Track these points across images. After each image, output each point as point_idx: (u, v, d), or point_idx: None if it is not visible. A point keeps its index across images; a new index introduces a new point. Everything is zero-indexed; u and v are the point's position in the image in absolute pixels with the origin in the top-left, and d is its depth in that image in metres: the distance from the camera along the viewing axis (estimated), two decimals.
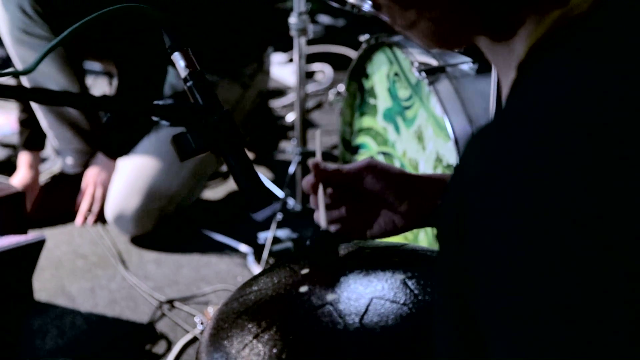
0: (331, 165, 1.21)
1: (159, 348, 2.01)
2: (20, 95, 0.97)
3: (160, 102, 1.10)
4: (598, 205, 0.67)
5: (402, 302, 1.09)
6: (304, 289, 1.13)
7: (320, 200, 1.21)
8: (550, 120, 0.70)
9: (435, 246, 1.85)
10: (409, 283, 1.12)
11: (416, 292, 1.10)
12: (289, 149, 2.89)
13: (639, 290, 0.68)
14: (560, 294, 0.67)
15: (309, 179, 1.21)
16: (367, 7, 1.90)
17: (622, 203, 0.67)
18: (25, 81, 2.38)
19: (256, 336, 1.07)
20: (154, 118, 1.09)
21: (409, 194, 1.21)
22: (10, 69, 2.65)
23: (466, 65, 1.91)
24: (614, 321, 0.67)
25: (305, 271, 1.17)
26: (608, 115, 0.69)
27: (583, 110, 0.70)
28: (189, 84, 1.13)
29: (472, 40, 0.86)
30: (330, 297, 1.10)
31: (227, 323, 1.12)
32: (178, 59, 1.14)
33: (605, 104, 0.70)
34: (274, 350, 1.04)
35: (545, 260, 0.67)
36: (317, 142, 1.31)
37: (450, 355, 0.80)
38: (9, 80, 2.63)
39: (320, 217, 1.22)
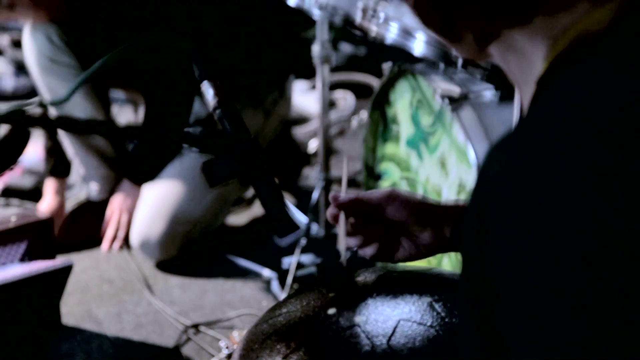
0: (350, 196, 1.22)
1: None
2: (47, 123, 0.99)
3: (191, 130, 1.11)
4: (616, 215, 0.68)
5: (429, 324, 1.09)
6: (332, 311, 1.14)
7: (341, 229, 1.22)
8: (569, 133, 0.71)
9: (458, 270, 1.86)
10: (436, 306, 1.13)
11: (443, 314, 1.11)
12: (312, 175, 2.91)
13: None
14: (580, 300, 0.67)
15: (331, 210, 1.22)
16: (389, 36, 1.92)
17: (637, 211, 0.69)
18: (52, 109, 2.42)
19: (285, 357, 1.08)
20: (184, 145, 1.10)
21: (430, 222, 1.21)
22: (39, 99, 2.69)
23: (489, 92, 1.91)
24: (630, 325, 0.68)
25: (333, 294, 1.19)
26: (625, 130, 0.70)
27: (601, 125, 0.70)
28: (217, 112, 1.14)
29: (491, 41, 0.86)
30: (358, 319, 1.11)
31: (256, 344, 1.13)
32: (207, 88, 1.16)
33: (623, 119, 0.71)
34: None
35: (565, 267, 0.68)
36: (345, 171, 1.32)
37: None
38: (35, 109, 2.66)
39: (340, 244, 1.23)
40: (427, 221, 1.21)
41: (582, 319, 0.67)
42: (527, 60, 0.83)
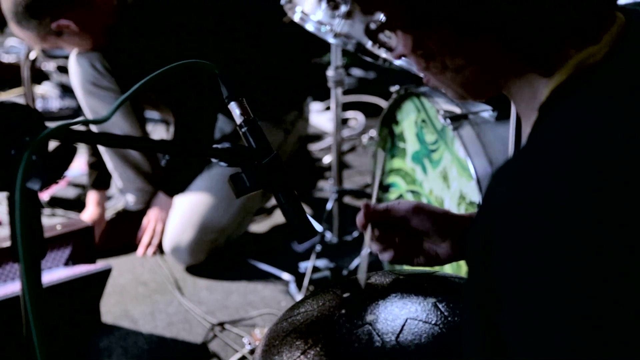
0: (381, 206, 1.21)
1: None
2: (90, 139, 0.99)
3: (219, 146, 1.11)
4: (610, 232, 0.67)
5: (433, 322, 1.09)
6: (345, 310, 1.14)
7: (367, 236, 1.21)
8: (568, 157, 0.71)
9: (460, 274, 1.85)
10: (440, 306, 1.12)
11: (446, 314, 1.11)
12: (327, 187, 2.91)
13: None
14: (576, 308, 0.67)
15: (360, 218, 1.21)
16: (397, 61, 1.93)
17: (630, 230, 0.68)
18: (93, 128, 2.43)
19: (303, 352, 1.08)
20: (213, 160, 1.11)
21: (451, 232, 1.19)
22: (81, 117, 2.71)
23: (486, 112, 1.91)
24: (622, 331, 0.67)
25: (346, 295, 1.18)
26: (620, 154, 0.70)
27: (597, 149, 0.70)
28: (243, 129, 1.13)
29: (500, 90, 0.86)
30: (369, 317, 1.11)
31: (277, 341, 1.13)
32: (234, 108, 1.15)
33: (618, 143, 0.71)
34: None
35: (562, 279, 0.68)
36: (375, 187, 1.31)
37: None
38: (79, 127, 2.67)
39: (368, 245, 1.22)
40: (448, 231, 1.20)
41: (577, 328, 0.67)
42: (532, 89, 0.83)
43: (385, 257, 1.24)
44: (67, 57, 2.69)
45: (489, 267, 0.72)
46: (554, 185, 0.69)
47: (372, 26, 0.86)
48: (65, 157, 0.88)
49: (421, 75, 0.92)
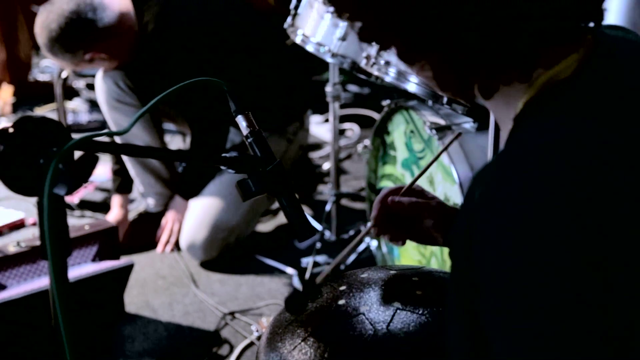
0: (404, 198, 1.21)
1: (223, 350, 2.01)
2: (114, 150, 0.99)
3: (228, 155, 1.11)
4: (575, 224, 0.67)
5: (420, 312, 1.09)
6: (341, 301, 1.13)
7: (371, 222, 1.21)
8: (539, 161, 0.71)
9: (444, 269, 1.84)
10: (426, 297, 1.12)
11: (432, 304, 1.10)
12: (326, 191, 2.90)
13: (611, 300, 0.68)
14: (549, 299, 0.67)
15: (375, 214, 1.21)
16: (387, 78, 1.92)
17: (598, 226, 0.68)
18: (117, 139, 2.43)
19: (304, 339, 1.08)
20: (222, 167, 1.10)
21: (447, 221, 1.19)
22: (106, 130, 2.71)
23: (468, 124, 1.91)
24: (592, 321, 0.67)
25: (342, 288, 1.18)
26: (584, 157, 0.70)
27: (564, 153, 0.71)
28: (249, 140, 1.13)
29: (471, 99, 0.86)
30: (363, 308, 1.10)
31: (280, 329, 1.13)
32: (241, 120, 1.15)
33: (583, 148, 0.71)
34: (318, 351, 1.05)
35: (537, 272, 0.68)
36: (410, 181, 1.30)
37: (460, 353, 0.80)
38: (105, 139, 2.67)
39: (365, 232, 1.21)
40: (445, 221, 1.19)
41: (547, 314, 0.67)
42: (507, 102, 0.83)
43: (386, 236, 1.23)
44: (93, 76, 2.70)
45: (470, 259, 0.72)
46: (526, 185, 0.70)
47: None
48: (88, 165, 0.87)
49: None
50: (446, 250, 1.61)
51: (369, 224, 1.23)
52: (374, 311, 1.10)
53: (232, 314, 2.16)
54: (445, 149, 1.34)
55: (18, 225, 2.68)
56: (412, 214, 1.20)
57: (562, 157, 0.70)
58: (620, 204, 0.69)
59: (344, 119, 3.59)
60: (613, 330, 0.68)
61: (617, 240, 0.69)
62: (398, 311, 1.09)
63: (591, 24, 0.80)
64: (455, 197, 1.84)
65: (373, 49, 1.90)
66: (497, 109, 0.85)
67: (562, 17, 0.76)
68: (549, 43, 0.77)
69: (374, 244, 2.31)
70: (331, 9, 2.12)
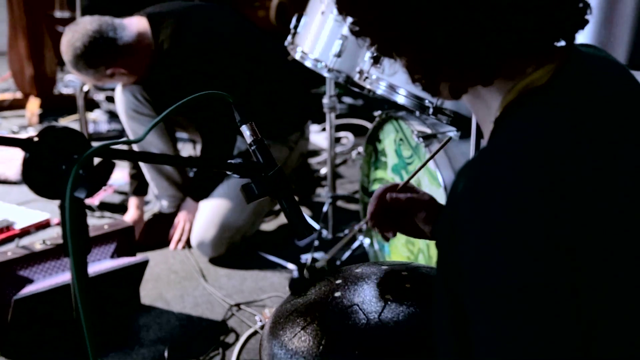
0: (402, 195, 1.21)
1: (230, 339, 2.01)
2: (130, 157, 0.99)
3: (233, 161, 1.10)
4: (550, 216, 0.69)
5: (408, 304, 1.08)
6: (337, 294, 1.13)
7: (366, 218, 1.21)
8: (515, 155, 0.72)
9: (430, 264, 1.84)
10: (414, 290, 1.12)
11: (419, 296, 1.10)
12: (323, 193, 2.90)
13: (579, 282, 0.69)
14: (522, 280, 0.68)
15: (372, 209, 1.20)
16: (379, 91, 1.92)
17: (567, 214, 0.69)
18: (134, 146, 2.43)
19: (303, 328, 1.07)
20: (229, 172, 1.10)
21: (437, 214, 1.20)
22: (124, 139, 2.71)
23: (452, 132, 1.91)
24: (561, 301, 0.68)
25: (338, 281, 1.17)
26: (554, 156, 0.72)
27: (538, 148, 0.72)
28: (253, 147, 1.13)
29: (462, 93, 0.86)
30: (357, 299, 1.10)
31: (282, 318, 1.12)
32: (245, 130, 1.15)
33: (554, 147, 0.73)
34: (316, 339, 1.04)
35: (512, 255, 0.69)
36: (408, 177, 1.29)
37: (444, 335, 0.80)
38: (123, 147, 2.66)
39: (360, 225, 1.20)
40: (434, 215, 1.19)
41: (521, 293, 0.68)
42: (488, 106, 0.84)
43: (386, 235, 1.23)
44: (113, 89, 2.69)
45: (453, 245, 0.73)
46: (503, 176, 0.71)
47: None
48: (106, 171, 0.87)
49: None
50: (433, 247, 1.61)
51: (363, 220, 1.23)
52: (367, 302, 1.09)
53: (237, 305, 2.16)
54: (439, 150, 1.35)
55: (44, 225, 2.67)
56: (406, 208, 1.20)
57: (535, 154, 0.72)
58: (586, 195, 0.71)
59: (339, 128, 3.59)
60: (581, 310, 0.68)
61: (584, 227, 0.70)
62: (389, 303, 1.08)
63: (563, 42, 0.81)
64: (440, 199, 1.82)
65: (366, 65, 1.91)
66: (479, 112, 0.87)
67: (523, 34, 0.77)
68: (513, 54, 0.78)
69: (366, 242, 2.31)
70: (330, 26, 2.12)
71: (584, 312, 0.69)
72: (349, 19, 0.85)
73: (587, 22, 0.82)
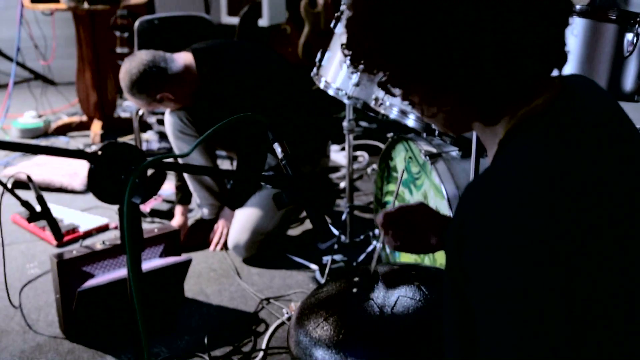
0: (392, 209, 1.18)
1: (260, 328, 2.00)
2: (178, 169, 1.00)
3: (266, 174, 1.10)
4: (547, 227, 0.67)
5: (417, 299, 1.07)
6: (355, 290, 1.13)
7: (382, 235, 1.18)
8: (517, 176, 0.71)
9: (436, 265, 1.82)
10: (422, 287, 1.11)
11: (427, 293, 1.09)
12: (342, 204, 2.89)
13: (572, 287, 0.67)
14: (520, 283, 0.67)
15: (380, 219, 1.17)
16: (392, 115, 1.92)
17: (562, 227, 0.68)
18: (180, 161, 2.44)
19: (325, 319, 1.07)
20: (262, 183, 1.10)
21: (440, 229, 1.16)
22: (173, 153, 2.72)
23: (454, 152, 1.90)
24: (555, 303, 0.67)
25: (356, 279, 1.17)
26: (550, 174, 0.71)
27: (538, 169, 0.71)
28: (283, 162, 1.12)
29: (471, 128, 0.86)
30: (372, 295, 1.09)
31: (306, 311, 1.12)
32: (277, 147, 1.15)
33: (550, 166, 0.72)
34: (337, 328, 1.04)
35: (511, 261, 0.68)
36: (395, 195, 1.29)
37: (453, 331, 0.79)
38: (171, 160, 2.67)
39: (380, 242, 1.18)
40: (439, 228, 1.15)
41: (518, 297, 0.67)
42: (494, 131, 0.83)
43: (394, 247, 1.19)
44: (163, 114, 2.72)
45: (461, 254, 0.72)
46: (506, 193, 0.70)
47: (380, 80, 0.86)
48: (158, 180, 0.88)
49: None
50: (437, 253, 1.58)
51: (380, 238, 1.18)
52: (381, 297, 1.09)
53: (267, 299, 2.15)
54: (401, 178, 1.32)
55: (103, 228, 2.69)
56: (405, 217, 1.17)
57: (535, 173, 0.71)
58: (581, 211, 0.69)
59: (356, 147, 3.57)
60: (574, 312, 0.67)
61: (578, 238, 0.68)
62: (400, 298, 1.08)
63: (556, 73, 0.80)
64: (444, 210, 1.83)
65: (381, 93, 1.91)
66: (485, 135, 0.86)
67: (525, 77, 0.77)
68: (519, 90, 0.78)
69: (379, 245, 2.29)
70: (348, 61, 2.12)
71: (577, 316, 0.67)
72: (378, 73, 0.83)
73: (566, 56, 0.81)
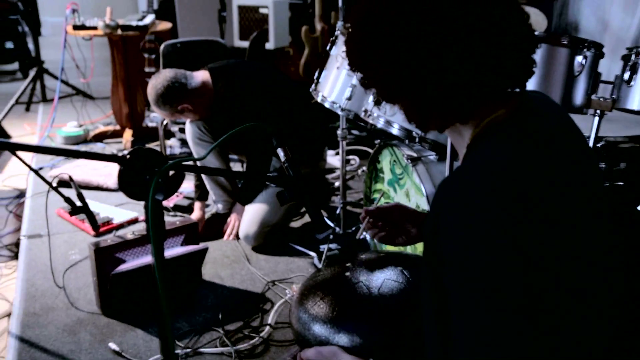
0: (374, 207, 1.19)
1: (267, 306, 1.99)
2: (196, 170, 0.99)
3: (271, 175, 1.10)
4: (509, 221, 0.67)
5: (400, 281, 1.07)
6: (347, 273, 1.12)
7: (363, 224, 1.18)
8: (484, 175, 0.71)
9: (416, 252, 1.81)
10: (405, 272, 1.10)
11: (408, 276, 1.08)
12: (336, 200, 2.88)
13: (532, 277, 0.66)
14: (485, 272, 0.67)
15: (363, 215, 1.18)
16: (379, 125, 1.91)
17: (522, 220, 0.67)
18: (198, 164, 2.42)
19: (321, 298, 1.06)
20: (268, 183, 1.09)
21: (418, 222, 1.17)
22: (191, 157, 2.71)
23: (432, 156, 1.90)
24: (515, 292, 0.66)
25: (348, 264, 1.16)
26: (511, 173, 0.70)
27: (499, 168, 0.71)
28: (286, 164, 1.13)
29: (431, 128, 0.84)
30: (362, 277, 1.09)
31: (306, 292, 1.11)
32: (280, 152, 1.15)
33: (513, 165, 0.71)
34: (331, 306, 1.03)
35: (477, 251, 0.67)
36: (377, 201, 1.28)
37: (430, 311, 0.78)
38: (189, 163, 2.67)
39: (362, 231, 1.18)
40: (416, 222, 1.17)
41: (483, 283, 0.67)
42: (462, 137, 0.83)
43: (377, 238, 1.20)
44: (184, 123, 2.70)
45: (437, 243, 0.72)
46: (472, 190, 0.70)
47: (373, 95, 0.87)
48: (178, 180, 0.87)
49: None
50: (417, 244, 1.58)
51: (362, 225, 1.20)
52: (369, 280, 1.08)
53: (273, 282, 2.14)
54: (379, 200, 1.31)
55: (133, 221, 2.68)
56: (384, 216, 1.17)
57: (499, 172, 0.71)
58: (535, 201, 0.70)
59: (349, 152, 3.57)
60: (531, 289, 0.66)
61: (535, 226, 0.68)
62: (385, 281, 1.07)
63: (517, 90, 0.80)
64: (424, 205, 1.82)
65: (370, 106, 1.90)
66: (456, 141, 0.86)
67: (492, 89, 0.76)
68: (483, 101, 0.78)
69: (368, 236, 2.29)
70: (343, 78, 2.11)
71: (534, 293, 0.67)
72: (359, 75, 0.84)
73: (533, 73, 0.80)
